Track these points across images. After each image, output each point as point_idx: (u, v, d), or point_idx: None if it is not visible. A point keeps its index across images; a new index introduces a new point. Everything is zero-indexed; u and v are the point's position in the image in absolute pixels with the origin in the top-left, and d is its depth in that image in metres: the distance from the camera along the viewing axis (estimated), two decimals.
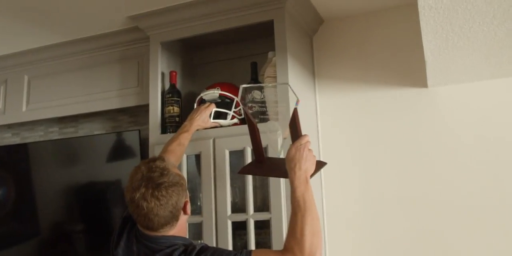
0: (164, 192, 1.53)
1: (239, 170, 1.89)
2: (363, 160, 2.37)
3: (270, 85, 2.16)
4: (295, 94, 1.74)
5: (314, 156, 1.66)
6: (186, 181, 2.18)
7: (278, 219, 2.00)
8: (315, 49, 2.53)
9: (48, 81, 2.89)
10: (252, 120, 1.80)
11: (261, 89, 2.10)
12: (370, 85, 2.41)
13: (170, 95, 2.35)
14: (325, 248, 2.33)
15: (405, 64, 2.36)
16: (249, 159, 2.09)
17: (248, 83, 2.27)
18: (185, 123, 2.15)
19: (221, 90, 2.27)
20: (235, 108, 2.22)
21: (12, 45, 2.89)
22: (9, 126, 3.26)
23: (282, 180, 2.02)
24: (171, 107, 2.33)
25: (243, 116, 2.17)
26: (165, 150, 2.02)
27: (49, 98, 2.85)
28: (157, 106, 2.37)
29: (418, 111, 2.31)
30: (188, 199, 1.64)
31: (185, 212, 1.63)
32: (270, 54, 2.30)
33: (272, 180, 2.04)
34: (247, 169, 1.91)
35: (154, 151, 2.28)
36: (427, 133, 2.27)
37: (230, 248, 2.08)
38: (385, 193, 2.30)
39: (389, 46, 2.41)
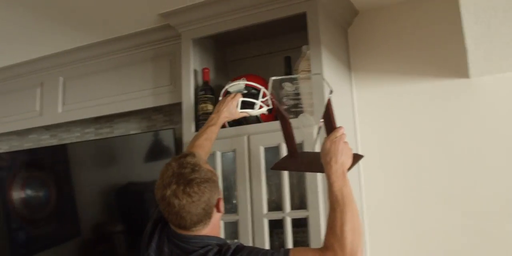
0: (196, 189, 1.48)
1: (272, 166, 1.83)
2: (403, 154, 2.29)
3: (301, 76, 2.10)
4: (328, 85, 1.70)
5: (350, 148, 1.60)
6: (221, 179, 2.16)
7: (316, 216, 1.94)
8: (350, 42, 2.46)
9: (83, 81, 2.90)
10: (284, 113, 1.75)
11: (292, 81, 2.02)
12: (409, 77, 2.32)
13: (203, 92, 2.32)
14: (366, 245, 2.25)
15: (444, 54, 2.26)
16: (284, 155, 2.04)
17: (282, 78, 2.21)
18: (212, 115, 2.08)
19: (247, 81, 2.19)
20: (262, 97, 2.15)
21: (47, 47, 2.92)
22: (47, 128, 3.29)
23: (319, 176, 1.96)
24: (205, 105, 2.30)
25: (271, 106, 2.13)
26: (192, 145, 1.95)
27: (84, 99, 2.86)
28: (190, 104, 2.34)
29: (460, 103, 2.21)
30: (221, 197, 1.59)
31: (218, 210, 1.57)
32: (304, 48, 2.25)
33: (308, 176, 1.98)
34: (281, 165, 1.85)
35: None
36: (470, 126, 2.18)
37: (267, 247, 2.03)
38: (427, 188, 2.21)
39: (427, 35, 2.31)
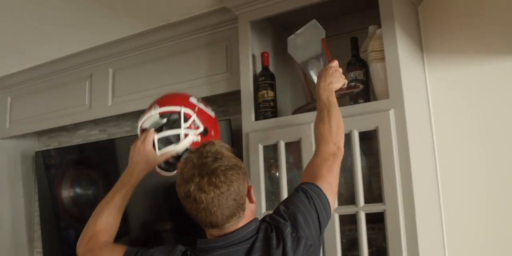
0: (222, 178, 1.31)
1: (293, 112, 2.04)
2: (481, 140, 2.07)
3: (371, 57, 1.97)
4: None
5: (342, 75, 1.79)
6: (284, 171, 2.00)
7: (394, 211, 1.75)
8: (422, 20, 2.25)
9: (133, 72, 2.79)
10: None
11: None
12: (488, 56, 2.10)
13: (263, 78, 2.16)
14: (444, 244, 2.05)
15: None
16: (356, 144, 1.86)
17: (349, 61, 2.04)
18: (123, 173, 1.72)
19: (159, 107, 1.74)
20: (186, 121, 1.72)
21: (95, 38, 2.83)
22: (96, 123, 3.20)
23: (397, 166, 1.77)
24: (265, 91, 2.14)
25: (201, 129, 1.74)
26: (90, 234, 1.62)
27: (135, 90, 2.74)
28: (250, 90, 2.18)
29: None
30: (251, 185, 1.41)
31: (250, 200, 1.39)
32: (370, 28, 2.10)
33: (385, 167, 1.79)
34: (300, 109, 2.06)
35: (249, 139, 2.09)
36: None
37: (339, 245, 1.86)
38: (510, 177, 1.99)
39: (508, 9, 2.08)
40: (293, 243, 1.33)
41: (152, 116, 1.72)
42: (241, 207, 1.36)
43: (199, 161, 1.33)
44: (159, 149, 1.67)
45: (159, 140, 1.69)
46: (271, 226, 1.38)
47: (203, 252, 1.38)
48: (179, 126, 1.69)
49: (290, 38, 2.16)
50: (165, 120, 1.73)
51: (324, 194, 1.45)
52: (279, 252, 1.32)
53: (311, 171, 1.53)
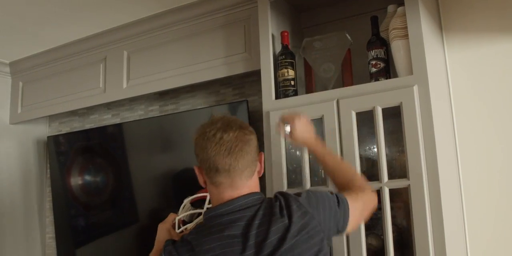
0: (247, 131, 1.43)
1: None
2: (501, 119, 2.07)
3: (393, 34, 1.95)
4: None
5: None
6: (306, 149, 2.00)
7: (419, 186, 1.75)
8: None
9: (148, 54, 2.77)
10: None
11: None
12: (505, 35, 2.09)
13: (283, 56, 2.15)
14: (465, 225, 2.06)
15: None
16: (380, 120, 1.86)
17: (370, 40, 2.04)
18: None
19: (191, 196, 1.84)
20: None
21: (110, 21, 2.82)
22: (109, 107, 3.20)
23: (421, 142, 1.77)
24: (285, 70, 2.13)
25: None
26: None
27: (150, 73, 2.72)
28: (270, 69, 2.17)
29: None
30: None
31: (260, 167, 1.48)
32: (389, 8, 2.09)
33: (409, 142, 1.79)
34: None
35: (269, 117, 2.09)
36: None
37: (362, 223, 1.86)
38: None
39: None
40: (300, 217, 1.35)
41: (186, 206, 1.81)
42: (253, 168, 1.44)
43: (224, 124, 1.42)
44: (178, 228, 1.73)
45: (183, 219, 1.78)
46: (278, 198, 1.40)
47: (209, 222, 1.41)
48: (202, 207, 1.77)
49: (307, 40, 2.20)
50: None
51: (349, 212, 1.44)
52: (282, 222, 1.33)
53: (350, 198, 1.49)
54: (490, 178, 2.06)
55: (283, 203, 1.38)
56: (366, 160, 1.97)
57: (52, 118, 3.51)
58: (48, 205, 3.46)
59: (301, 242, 1.32)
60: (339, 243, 1.86)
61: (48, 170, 3.40)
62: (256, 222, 1.35)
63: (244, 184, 1.41)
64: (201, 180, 1.48)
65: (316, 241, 1.35)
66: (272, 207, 1.37)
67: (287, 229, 1.32)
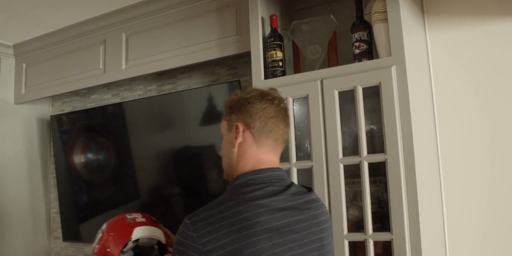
0: None
1: None
2: (481, 104, 2.17)
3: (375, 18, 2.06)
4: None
5: None
6: (293, 126, 2.13)
7: (395, 160, 1.88)
8: None
9: (146, 37, 2.88)
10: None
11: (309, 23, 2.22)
12: (487, 18, 2.19)
13: (272, 39, 2.26)
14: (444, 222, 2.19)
15: None
16: (360, 98, 1.98)
17: (354, 23, 2.15)
18: None
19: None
20: None
21: (108, 4, 2.90)
22: (109, 87, 3.32)
23: (398, 121, 1.90)
24: (274, 52, 2.25)
25: None
26: None
27: (148, 54, 2.83)
28: (259, 51, 2.28)
29: None
30: None
31: None
32: None
33: (387, 120, 1.91)
34: None
35: None
36: None
37: (343, 194, 1.99)
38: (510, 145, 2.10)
39: None
40: None
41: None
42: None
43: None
44: None
45: None
46: None
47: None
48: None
49: (295, 22, 2.30)
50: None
51: None
52: None
53: None
54: (468, 154, 2.18)
55: None
56: (348, 136, 2.09)
57: (54, 98, 3.64)
58: (52, 181, 3.60)
59: None
60: None
61: (52, 148, 3.53)
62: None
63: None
64: (239, 140, 1.49)
65: None
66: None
67: None
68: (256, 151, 1.49)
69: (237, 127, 1.49)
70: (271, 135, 1.50)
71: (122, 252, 1.78)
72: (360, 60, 2.09)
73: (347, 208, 2.00)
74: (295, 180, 2.11)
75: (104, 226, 1.88)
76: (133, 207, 3.03)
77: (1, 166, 3.35)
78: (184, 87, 2.97)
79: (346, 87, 2.02)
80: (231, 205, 1.34)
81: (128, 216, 1.88)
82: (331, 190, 2.01)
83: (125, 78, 2.98)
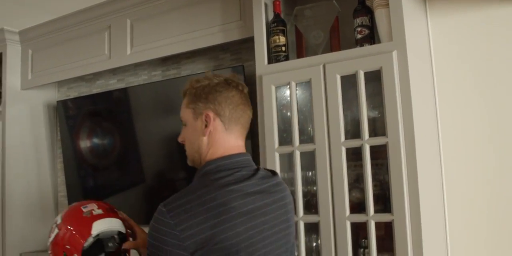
0: None
1: None
2: (482, 85, 2.20)
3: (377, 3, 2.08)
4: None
5: None
6: (296, 110, 2.16)
7: (396, 144, 1.93)
8: None
9: (151, 23, 2.91)
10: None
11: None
12: (491, 3, 2.20)
13: (275, 24, 2.30)
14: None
15: None
16: (362, 83, 2.02)
17: (356, 8, 2.18)
18: None
19: None
20: None
21: None
22: (114, 73, 3.35)
23: (399, 105, 1.94)
24: (277, 37, 2.28)
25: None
26: None
27: (152, 40, 2.87)
28: (262, 36, 2.32)
29: None
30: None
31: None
32: None
33: (388, 103, 1.95)
34: None
35: (262, 81, 2.26)
36: None
37: (345, 176, 2.04)
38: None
39: None
40: None
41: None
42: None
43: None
44: None
45: None
46: None
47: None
48: None
49: (298, 8, 2.34)
50: None
51: None
52: None
53: None
54: (469, 137, 2.22)
55: None
56: (350, 120, 2.13)
57: (60, 83, 3.67)
58: (59, 166, 3.66)
59: None
60: (324, 195, 2.05)
61: (59, 133, 3.59)
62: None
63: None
64: (210, 128, 1.50)
65: None
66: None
67: None
68: (226, 138, 1.53)
69: (207, 116, 1.51)
70: (239, 122, 1.54)
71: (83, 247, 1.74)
72: (362, 45, 2.12)
73: (349, 190, 2.05)
74: (298, 163, 2.16)
75: (59, 220, 1.79)
76: (139, 191, 3.09)
77: (9, 151, 3.41)
78: (189, 72, 3.00)
79: (348, 71, 2.06)
80: (206, 191, 1.38)
81: (84, 209, 1.79)
82: (334, 173, 2.05)
83: (130, 64, 3.01)
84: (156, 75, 3.16)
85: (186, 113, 1.56)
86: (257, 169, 1.54)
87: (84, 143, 3.36)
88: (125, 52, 2.98)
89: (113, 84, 3.39)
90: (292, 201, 1.62)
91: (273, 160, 2.19)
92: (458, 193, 2.22)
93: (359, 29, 2.15)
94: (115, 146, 3.22)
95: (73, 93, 3.63)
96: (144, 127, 3.08)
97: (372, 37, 2.14)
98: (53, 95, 3.73)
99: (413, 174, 1.90)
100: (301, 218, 2.13)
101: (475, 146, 2.20)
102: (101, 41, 3.12)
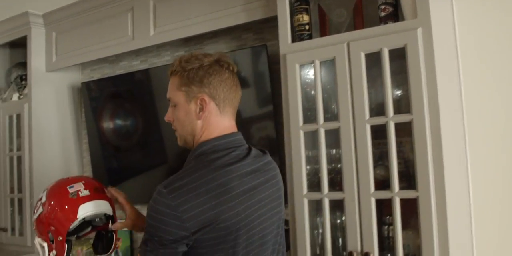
0: None
1: None
2: (507, 65, 2.18)
3: None
4: None
5: None
6: (320, 89, 2.18)
7: (421, 121, 1.93)
8: None
9: (173, 3, 2.91)
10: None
11: None
12: None
13: (299, 3, 2.30)
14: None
15: None
16: (386, 60, 2.02)
17: None
18: None
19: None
20: None
21: None
22: (137, 54, 3.38)
23: (424, 79, 1.94)
24: (300, 15, 2.28)
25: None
26: None
27: (175, 20, 2.88)
28: (286, 15, 2.32)
29: None
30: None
31: None
32: None
33: (413, 81, 1.95)
34: None
35: (286, 60, 2.26)
36: None
37: (370, 154, 2.05)
38: None
39: None
40: None
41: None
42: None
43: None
44: None
45: None
46: None
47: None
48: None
49: None
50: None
51: None
52: None
53: None
54: (495, 114, 2.20)
55: None
56: (374, 97, 2.14)
57: (84, 65, 3.72)
58: (85, 146, 3.72)
59: None
60: (349, 173, 2.07)
61: (83, 114, 3.64)
62: None
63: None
64: (206, 112, 1.54)
65: None
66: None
67: None
68: (220, 120, 1.57)
69: (203, 100, 1.53)
70: (232, 103, 1.59)
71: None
72: (386, 23, 2.11)
73: (374, 167, 2.06)
74: (322, 141, 2.17)
75: (44, 198, 1.78)
76: (161, 172, 3.14)
77: (36, 132, 3.47)
78: (211, 52, 3.00)
79: (372, 49, 2.06)
80: (205, 172, 1.41)
81: (70, 189, 1.77)
82: (358, 150, 2.06)
83: (153, 44, 3.03)
84: (179, 56, 3.16)
85: (177, 96, 1.57)
86: (250, 148, 1.59)
87: (107, 124, 3.42)
88: (148, 33, 3.00)
89: (136, 65, 3.42)
90: (281, 179, 1.69)
91: (298, 138, 2.21)
92: (483, 170, 2.21)
93: (383, 6, 2.14)
94: (138, 127, 3.26)
95: (96, 75, 3.68)
96: (166, 108, 3.09)
97: (395, 15, 2.13)
98: (77, 77, 3.78)
99: (438, 151, 1.90)
100: (326, 195, 2.15)
101: (501, 123, 2.19)
102: (124, 23, 3.13)
